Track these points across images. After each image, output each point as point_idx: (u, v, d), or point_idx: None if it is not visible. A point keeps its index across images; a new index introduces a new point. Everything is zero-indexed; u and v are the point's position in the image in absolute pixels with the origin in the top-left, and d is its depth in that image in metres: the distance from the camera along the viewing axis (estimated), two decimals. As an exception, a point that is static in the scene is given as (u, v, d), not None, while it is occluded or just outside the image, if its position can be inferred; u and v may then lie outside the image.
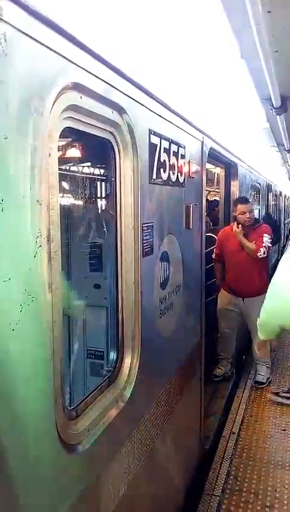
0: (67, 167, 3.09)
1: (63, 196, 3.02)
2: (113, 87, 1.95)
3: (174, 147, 2.83)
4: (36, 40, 1.39)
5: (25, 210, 1.37)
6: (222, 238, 5.43)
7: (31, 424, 1.44)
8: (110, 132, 2.07)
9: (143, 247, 2.34)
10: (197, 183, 3.55)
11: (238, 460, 4.14)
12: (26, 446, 1.41)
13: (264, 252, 5.03)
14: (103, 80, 1.84)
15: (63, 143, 2.61)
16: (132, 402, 2.22)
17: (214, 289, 5.51)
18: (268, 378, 5.57)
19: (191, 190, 3.34)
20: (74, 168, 3.16)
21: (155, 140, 2.48)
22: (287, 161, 12.07)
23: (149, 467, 2.55)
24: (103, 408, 2.01)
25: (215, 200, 7.62)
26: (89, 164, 3.18)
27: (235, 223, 5.22)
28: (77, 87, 1.67)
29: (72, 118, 1.73)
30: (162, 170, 2.62)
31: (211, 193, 8.90)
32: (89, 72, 1.73)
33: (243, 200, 5.39)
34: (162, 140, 2.58)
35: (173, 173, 2.85)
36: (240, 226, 5.15)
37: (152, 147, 2.44)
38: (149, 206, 2.43)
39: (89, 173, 3.20)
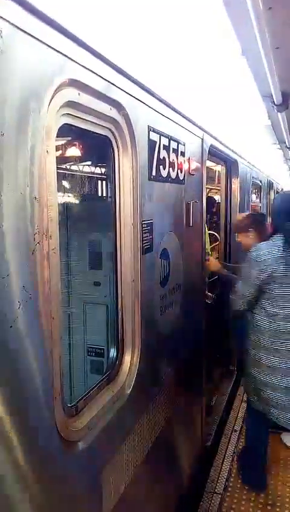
0: (67, 165, 3.09)
1: (63, 195, 3.02)
2: (112, 83, 1.94)
3: (173, 144, 2.82)
4: (33, 37, 1.38)
5: (23, 207, 1.37)
6: None
7: (31, 421, 1.44)
8: (109, 129, 2.07)
9: (143, 244, 2.34)
10: (197, 180, 3.54)
11: (239, 457, 4.14)
12: (25, 443, 1.40)
13: None
14: (101, 77, 1.84)
15: (62, 140, 2.61)
16: (132, 399, 2.22)
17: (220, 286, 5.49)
18: None
19: (191, 188, 3.34)
20: (72, 165, 3.15)
21: (154, 136, 2.47)
22: (289, 159, 12.04)
23: (150, 465, 2.55)
24: (103, 406, 2.01)
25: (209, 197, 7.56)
26: (87, 161, 3.18)
27: None
28: (75, 84, 1.66)
29: (70, 115, 1.73)
30: (161, 167, 2.61)
31: (212, 190, 8.89)
32: (87, 69, 1.72)
33: None
34: (161, 137, 2.58)
35: (173, 171, 2.84)
36: None
37: (151, 144, 2.43)
38: (149, 203, 2.43)
39: (88, 171, 3.20)
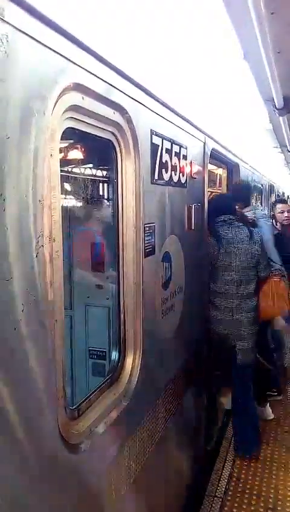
0: (69, 168, 3.10)
1: (65, 197, 3.03)
2: (115, 88, 1.95)
3: (176, 148, 2.83)
4: (37, 41, 1.39)
5: (26, 210, 1.37)
6: None
7: (33, 424, 1.44)
8: (112, 133, 2.08)
9: (145, 247, 2.35)
10: (199, 184, 3.55)
11: (240, 461, 4.13)
12: (28, 445, 1.41)
13: None
14: (104, 81, 1.85)
15: (65, 144, 2.62)
16: (133, 402, 2.22)
17: None
18: None
19: (193, 191, 3.34)
20: (75, 168, 3.17)
21: (157, 140, 2.48)
22: (290, 162, 12.05)
23: (151, 467, 2.54)
24: (105, 408, 2.02)
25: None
26: (90, 165, 3.19)
27: (274, 221, 5.60)
28: (79, 88, 1.68)
29: (74, 118, 1.74)
30: (163, 171, 2.62)
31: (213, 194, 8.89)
32: (91, 73, 1.73)
33: (282, 200, 6.03)
34: (163, 141, 2.59)
35: (175, 174, 2.85)
36: (278, 223, 5.55)
37: (154, 148, 2.44)
38: (151, 206, 2.44)
39: (91, 174, 3.20)
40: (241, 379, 4.15)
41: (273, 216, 5.78)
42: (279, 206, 5.74)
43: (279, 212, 5.64)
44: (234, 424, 4.30)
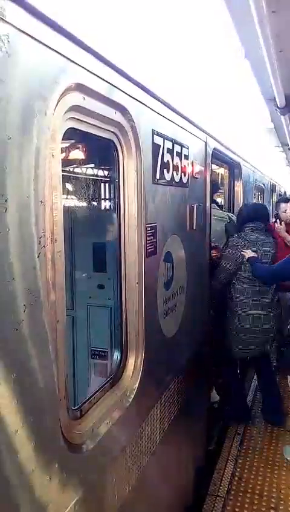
0: (71, 168, 3.10)
1: (66, 198, 3.03)
2: (116, 87, 1.95)
3: (177, 148, 2.83)
4: (39, 41, 1.39)
5: (28, 211, 1.37)
6: None
7: (36, 424, 1.44)
8: (114, 133, 2.07)
9: (147, 247, 2.34)
10: (201, 184, 3.55)
11: (242, 461, 4.13)
12: (30, 446, 1.41)
13: None
14: (105, 81, 1.85)
15: (67, 144, 2.62)
16: (135, 402, 2.22)
17: None
18: None
19: (195, 191, 3.34)
20: (77, 169, 3.17)
21: (158, 140, 2.48)
22: (292, 161, 12.03)
23: (153, 467, 2.54)
24: (107, 408, 2.02)
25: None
26: (92, 165, 3.19)
27: (277, 220, 5.61)
28: (80, 88, 1.67)
29: (75, 119, 1.74)
30: (165, 170, 2.62)
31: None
32: (92, 73, 1.73)
33: (286, 199, 5.99)
34: (165, 141, 2.58)
35: (177, 174, 2.84)
36: (282, 223, 5.52)
37: (155, 148, 2.44)
38: (152, 206, 2.43)
39: (93, 174, 3.20)
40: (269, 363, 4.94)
41: (276, 216, 5.76)
42: (283, 206, 5.72)
43: (283, 211, 5.62)
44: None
